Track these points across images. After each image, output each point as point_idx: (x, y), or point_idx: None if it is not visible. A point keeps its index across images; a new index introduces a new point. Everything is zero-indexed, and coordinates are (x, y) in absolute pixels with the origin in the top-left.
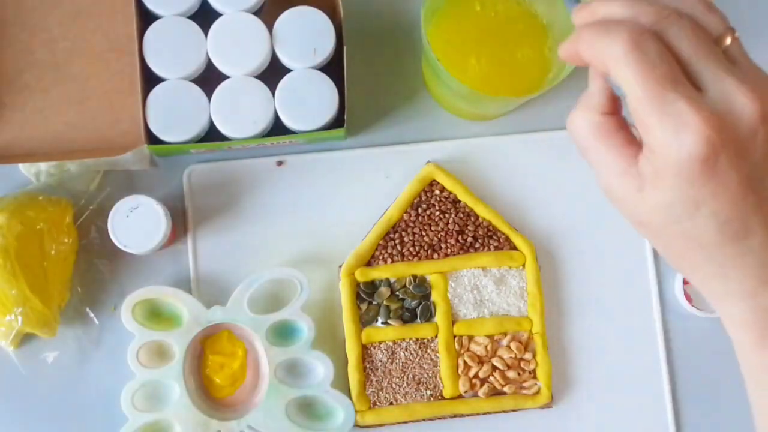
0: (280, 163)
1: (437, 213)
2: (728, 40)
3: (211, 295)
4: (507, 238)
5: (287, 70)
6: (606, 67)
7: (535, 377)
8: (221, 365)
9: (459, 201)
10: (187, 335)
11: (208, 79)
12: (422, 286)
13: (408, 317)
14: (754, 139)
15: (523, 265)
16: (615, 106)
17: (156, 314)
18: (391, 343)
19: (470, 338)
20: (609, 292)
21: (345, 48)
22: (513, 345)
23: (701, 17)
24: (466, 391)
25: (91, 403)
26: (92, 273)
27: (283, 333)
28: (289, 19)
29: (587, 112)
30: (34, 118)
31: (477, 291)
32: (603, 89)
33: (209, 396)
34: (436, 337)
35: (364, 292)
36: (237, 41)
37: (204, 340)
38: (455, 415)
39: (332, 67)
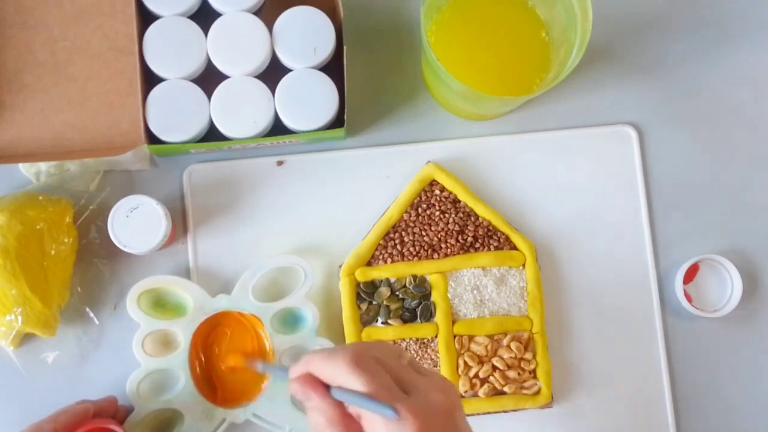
0: (280, 163)
1: (437, 213)
2: (405, 360)
3: (211, 294)
4: (507, 238)
5: (287, 70)
6: (336, 381)
7: (535, 377)
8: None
9: (459, 201)
10: (192, 324)
11: (208, 79)
12: (422, 286)
13: (408, 317)
14: (452, 419)
15: (523, 265)
16: (342, 408)
17: (161, 304)
18: (391, 343)
19: (470, 338)
20: (609, 292)
21: (345, 48)
22: (513, 345)
23: (386, 345)
24: (466, 391)
25: None
26: (92, 273)
27: (288, 321)
28: (289, 19)
29: (324, 410)
30: (34, 118)
31: (477, 291)
32: (327, 398)
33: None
34: (436, 337)
35: (364, 292)
36: (237, 41)
37: (210, 329)
38: None
39: (332, 67)
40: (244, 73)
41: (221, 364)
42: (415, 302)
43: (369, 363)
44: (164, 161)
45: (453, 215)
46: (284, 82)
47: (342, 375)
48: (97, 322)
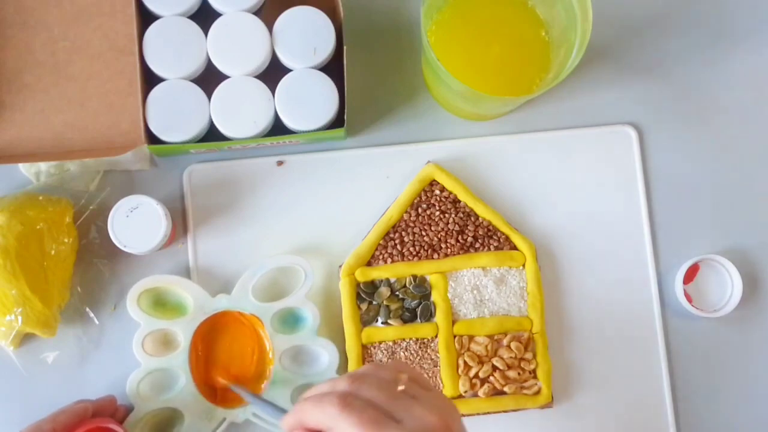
0: (280, 163)
1: (437, 213)
2: (401, 386)
3: (211, 293)
4: (507, 238)
5: (287, 70)
6: (327, 427)
7: (535, 377)
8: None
9: (459, 201)
10: (192, 323)
11: (208, 79)
12: (422, 286)
13: (408, 317)
14: None
15: (523, 265)
16: None
17: (161, 304)
18: (391, 343)
19: (470, 338)
20: (609, 292)
21: (345, 48)
22: (513, 345)
23: (379, 374)
24: (466, 391)
25: None
26: (92, 273)
27: (288, 321)
28: (289, 19)
29: None
30: (34, 118)
31: (477, 291)
32: None
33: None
34: (436, 337)
35: (364, 292)
36: (237, 41)
37: (210, 329)
38: None
39: (332, 67)
40: (244, 73)
41: (216, 378)
42: (415, 302)
43: (356, 404)
44: (164, 161)
45: (453, 215)
46: (284, 82)
47: (332, 421)
48: (97, 322)
